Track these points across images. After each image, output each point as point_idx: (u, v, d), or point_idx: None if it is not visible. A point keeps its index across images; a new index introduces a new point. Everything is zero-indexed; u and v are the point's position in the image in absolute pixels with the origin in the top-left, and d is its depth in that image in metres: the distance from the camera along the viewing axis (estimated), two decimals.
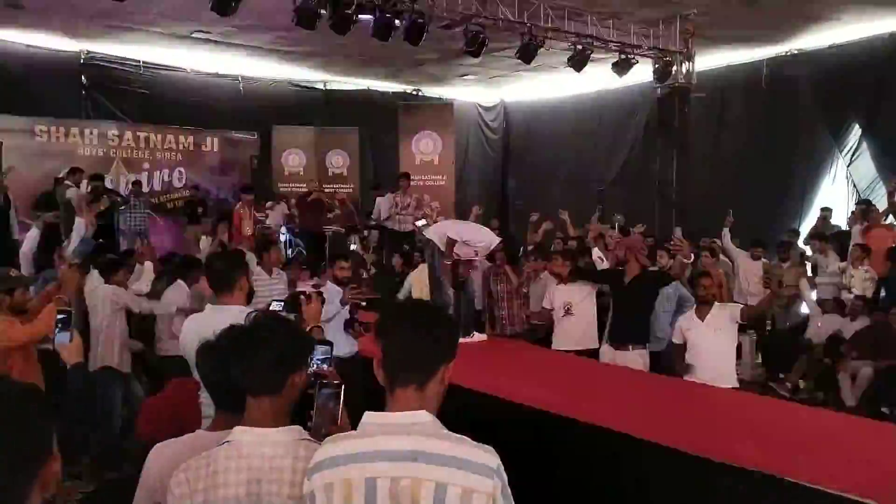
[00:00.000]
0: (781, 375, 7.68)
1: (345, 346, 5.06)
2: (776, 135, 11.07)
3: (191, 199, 11.24)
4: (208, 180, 12.40)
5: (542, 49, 9.04)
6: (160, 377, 5.38)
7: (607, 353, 5.45)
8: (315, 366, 2.18)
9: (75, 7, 9.08)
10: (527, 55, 9.00)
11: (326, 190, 12.19)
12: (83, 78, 11.56)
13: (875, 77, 10.04)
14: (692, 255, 6.48)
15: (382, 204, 11.90)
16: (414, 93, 14.94)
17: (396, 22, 7.92)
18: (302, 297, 3.03)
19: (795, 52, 10.97)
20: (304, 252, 11.52)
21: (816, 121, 10.83)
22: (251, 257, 5.50)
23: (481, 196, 12.88)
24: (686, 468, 3.15)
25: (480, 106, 16.02)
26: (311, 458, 1.69)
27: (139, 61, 11.88)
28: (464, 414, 2.36)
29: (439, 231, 6.20)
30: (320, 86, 14.07)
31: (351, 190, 13.59)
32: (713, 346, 4.78)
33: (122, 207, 10.63)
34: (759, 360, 8.10)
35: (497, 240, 6.30)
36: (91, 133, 11.48)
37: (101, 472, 5.08)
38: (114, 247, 8.39)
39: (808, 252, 9.07)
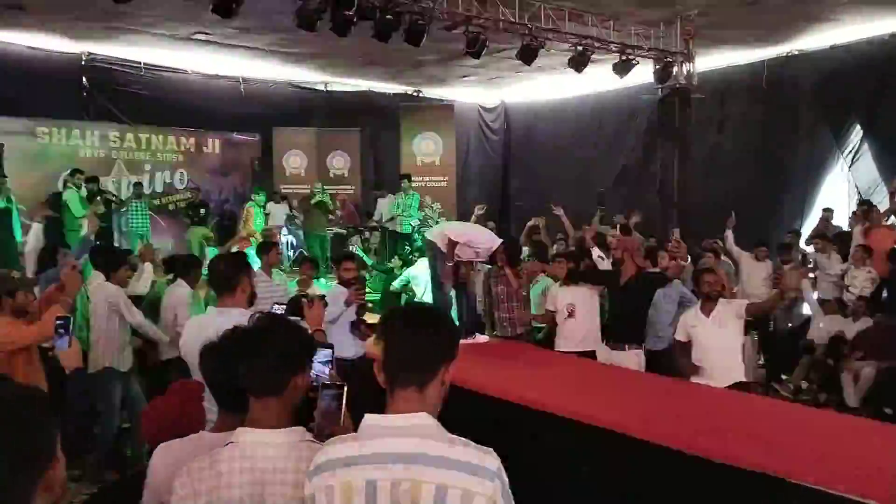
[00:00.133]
0: (784, 376, 7.69)
1: (351, 347, 5.07)
2: (777, 135, 11.07)
3: (192, 200, 11.25)
4: (209, 181, 12.43)
5: (542, 50, 9.04)
6: (161, 378, 5.39)
7: (603, 353, 5.45)
8: (316, 369, 2.18)
9: (77, 9, 9.09)
10: (527, 56, 9.01)
11: (328, 191, 12.19)
12: (84, 79, 11.58)
13: (876, 77, 10.04)
14: (689, 257, 6.48)
15: (383, 205, 11.94)
16: (415, 94, 14.95)
17: (397, 23, 7.92)
18: (303, 300, 3.04)
19: (796, 52, 10.97)
20: (305, 253, 11.56)
21: (817, 121, 10.82)
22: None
23: (482, 197, 12.87)
24: (687, 469, 3.16)
25: (481, 107, 16.03)
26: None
27: (140, 63, 11.89)
28: (465, 415, 2.36)
29: (441, 233, 6.21)
30: (321, 87, 14.08)
31: (352, 191, 13.61)
32: (719, 342, 4.75)
33: (123, 210, 10.67)
34: (762, 361, 8.09)
35: (498, 241, 6.30)
36: (92, 134, 11.52)
37: (102, 474, 5.09)
38: (112, 248, 8.39)
39: (810, 251, 9.07)
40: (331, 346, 2.43)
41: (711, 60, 11.16)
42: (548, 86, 14.00)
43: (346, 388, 2.06)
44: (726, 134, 11.80)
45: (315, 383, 2.07)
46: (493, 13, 8.48)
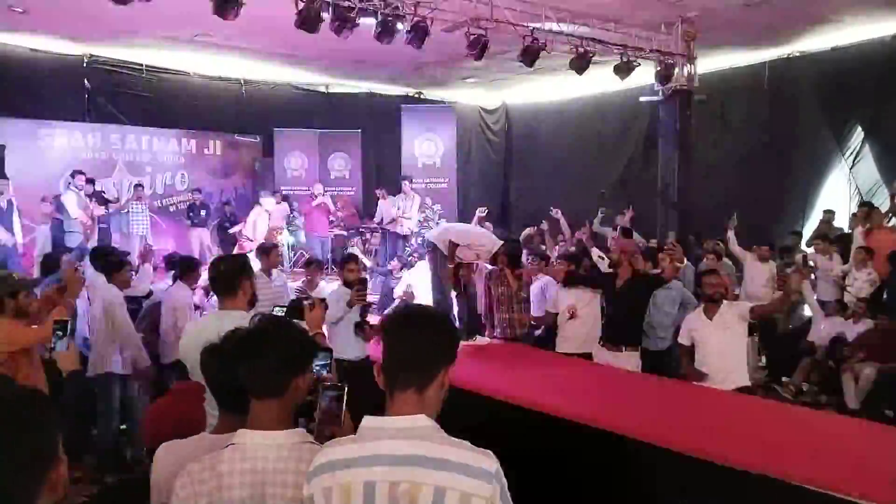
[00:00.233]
0: (784, 378, 7.68)
1: (354, 349, 5.07)
2: (778, 137, 11.07)
3: (193, 202, 11.27)
4: (210, 183, 12.44)
5: (543, 52, 9.04)
6: (162, 381, 5.40)
7: (600, 354, 5.45)
8: (315, 372, 2.19)
9: (79, 11, 9.10)
10: (529, 58, 9.01)
11: (328, 192, 12.21)
12: (86, 81, 11.59)
13: (877, 79, 10.03)
14: (684, 259, 6.48)
15: (384, 207, 11.94)
16: (416, 95, 14.96)
17: (398, 25, 7.93)
18: (304, 302, 3.04)
19: (797, 54, 10.97)
20: (305, 254, 11.57)
21: (818, 123, 10.81)
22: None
23: (483, 199, 12.88)
24: (688, 471, 3.15)
25: (482, 109, 16.03)
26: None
27: (142, 65, 11.91)
28: (465, 417, 2.36)
29: (442, 234, 6.22)
30: (322, 88, 14.10)
31: (353, 192, 13.62)
32: (722, 344, 4.69)
33: (124, 211, 10.68)
34: (762, 362, 8.09)
35: (499, 243, 6.31)
36: (94, 136, 11.55)
37: (102, 476, 5.09)
38: (113, 250, 8.41)
39: (810, 252, 9.06)
40: (329, 350, 2.43)
41: (712, 62, 11.15)
42: (549, 87, 14.00)
43: (346, 390, 2.06)
44: (727, 135, 11.79)
45: (315, 385, 2.08)
46: (495, 15, 8.47)
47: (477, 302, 6.54)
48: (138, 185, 11.29)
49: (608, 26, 9.42)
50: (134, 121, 11.99)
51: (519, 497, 1.68)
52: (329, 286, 6.47)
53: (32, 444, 1.14)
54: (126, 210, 10.71)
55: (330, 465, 1.63)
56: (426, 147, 13.79)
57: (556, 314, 5.98)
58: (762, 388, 7.24)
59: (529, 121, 15.71)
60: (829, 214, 9.90)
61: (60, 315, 3.72)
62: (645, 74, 10.23)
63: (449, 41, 8.75)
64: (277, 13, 7.58)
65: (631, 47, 9.73)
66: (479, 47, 8.55)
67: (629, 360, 5.32)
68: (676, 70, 10.22)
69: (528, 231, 8.31)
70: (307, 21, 7.49)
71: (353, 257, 5.75)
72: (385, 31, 7.87)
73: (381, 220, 11.93)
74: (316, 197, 11.95)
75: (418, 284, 7.78)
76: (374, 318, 5.59)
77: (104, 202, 10.28)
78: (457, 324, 5.91)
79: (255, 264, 5.56)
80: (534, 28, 8.82)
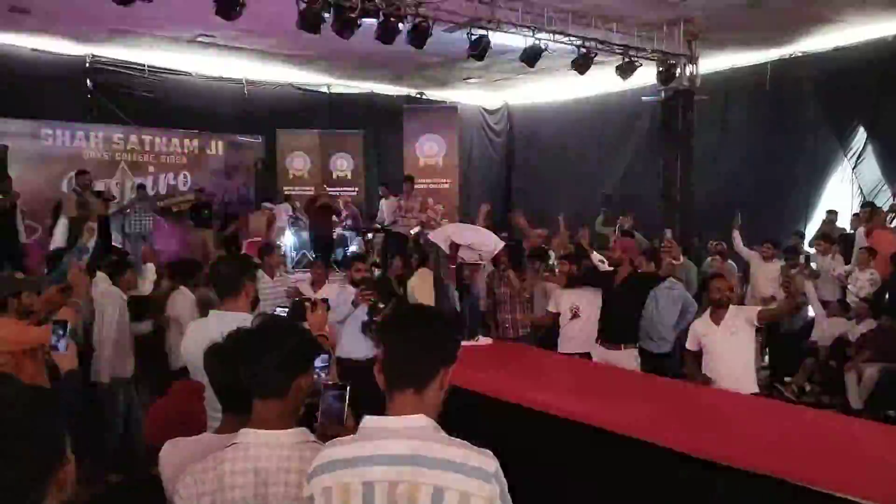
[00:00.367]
0: (787, 378, 7.67)
1: (362, 348, 5.07)
2: (780, 137, 11.05)
3: (196, 202, 11.28)
4: (213, 184, 12.44)
5: (545, 52, 9.04)
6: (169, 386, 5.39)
7: (599, 353, 5.43)
8: (315, 373, 2.19)
9: (81, 11, 9.12)
10: (530, 58, 9.02)
11: (331, 193, 12.20)
12: (88, 82, 11.62)
13: (879, 79, 10.02)
14: (681, 257, 6.46)
15: (386, 207, 11.94)
16: (418, 96, 14.97)
17: (400, 25, 7.93)
18: (307, 304, 3.03)
19: (799, 54, 10.96)
20: (307, 255, 11.58)
21: (821, 123, 10.81)
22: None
23: (485, 199, 12.87)
24: (690, 470, 3.15)
25: (484, 109, 16.04)
26: None
27: (144, 65, 11.93)
28: (467, 417, 2.36)
29: (443, 235, 6.21)
30: (324, 89, 14.10)
31: (355, 193, 13.62)
32: (730, 350, 4.58)
33: (127, 212, 10.68)
34: (765, 363, 8.08)
35: (501, 244, 6.30)
36: (96, 137, 11.55)
37: (105, 476, 5.10)
38: (109, 249, 8.39)
39: (812, 252, 9.06)
40: (328, 352, 2.43)
41: (714, 62, 11.15)
42: (551, 88, 14.00)
43: (348, 389, 2.07)
44: (729, 136, 11.78)
45: (316, 385, 2.08)
46: (497, 15, 8.48)
47: (479, 302, 6.54)
48: (141, 186, 11.30)
49: (610, 26, 9.42)
50: (136, 121, 11.99)
51: (519, 497, 1.68)
52: (331, 287, 6.46)
53: (40, 444, 1.14)
54: (128, 211, 10.71)
55: (329, 465, 1.64)
56: (428, 147, 13.80)
57: (558, 314, 5.99)
58: (765, 388, 7.23)
59: (531, 121, 15.71)
60: (831, 215, 9.89)
61: (65, 316, 3.73)
62: (647, 75, 10.24)
63: (450, 41, 8.77)
64: (279, 14, 7.60)
65: (633, 47, 9.74)
66: (480, 48, 8.56)
67: (627, 358, 5.30)
68: (678, 70, 10.22)
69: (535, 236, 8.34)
70: (309, 21, 7.50)
71: (361, 257, 5.77)
72: (387, 32, 7.88)
73: (384, 220, 11.93)
74: (320, 197, 11.92)
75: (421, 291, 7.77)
76: None
77: (105, 202, 10.26)
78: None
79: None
80: (535, 28, 8.82)
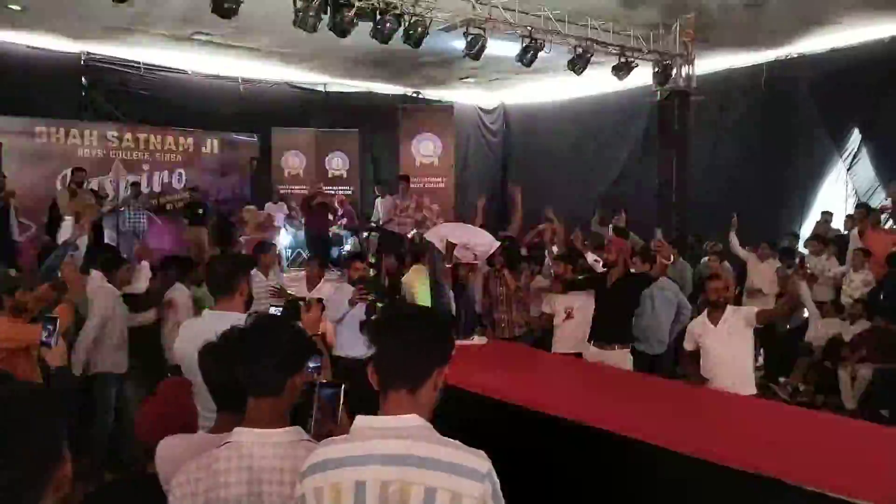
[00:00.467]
0: (781, 378, 7.69)
1: (360, 347, 5.05)
2: (776, 138, 11.08)
3: (191, 200, 11.25)
4: (208, 182, 12.41)
5: (542, 52, 9.04)
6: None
7: (593, 353, 5.42)
8: (307, 374, 2.18)
9: (77, 9, 9.08)
10: (527, 58, 9.02)
11: (326, 192, 12.19)
12: (83, 79, 11.57)
13: (875, 81, 10.03)
14: (672, 256, 6.48)
15: (382, 206, 11.93)
16: (414, 95, 14.95)
17: (397, 24, 7.92)
18: (301, 304, 3.02)
19: (795, 55, 10.98)
20: (303, 254, 11.57)
21: (816, 124, 10.83)
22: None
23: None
24: (686, 470, 3.16)
25: (481, 108, 16.03)
26: None
27: (139, 63, 11.88)
28: (462, 416, 2.36)
29: (439, 234, 6.21)
30: (320, 88, 14.07)
31: (351, 192, 13.61)
32: (727, 351, 4.55)
33: (121, 209, 10.65)
34: (760, 363, 8.11)
35: (496, 243, 6.30)
36: (91, 134, 11.50)
37: (100, 474, 5.08)
38: (101, 246, 8.37)
39: (806, 253, 9.09)
40: (321, 353, 2.43)
41: (711, 63, 11.16)
42: (547, 88, 14.00)
43: (343, 388, 2.06)
44: (725, 137, 11.80)
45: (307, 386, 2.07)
46: (493, 15, 8.48)
47: (475, 302, 6.54)
48: (135, 184, 11.26)
49: (607, 27, 9.43)
50: (131, 119, 11.95)
51: (513, 497, 1.68)
52: (325, 286, 6.45)
53: (38, 443, 1.14)
54: (122, 209, 10.68)
55: (321, 465, 1.63)
56: (424, 147, 13.78)
57: (552, 316, 5.99)
58: (759, 388, 7.24)
59: (527, 121, 15.71)
60: (826, 216, 9.92)
61: (61, 314, 3.72)
62: (643, 75, 10.25)
63: (447, 41, 8.76)
64: (275, 12, 7.58)
65: (629, 48, 9.75)
66: (476, 47, 8.55)
67: (620, 358, 5.30)
68: (675, 71, 10.23)
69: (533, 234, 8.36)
70: (305, 20, 7.48)
71: (359, 256, 5.76)
72: (383, 31, 7.86)
73: (379, 219, 11.92)
74: (317, 195, 11.90)
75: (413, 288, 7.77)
76: None
77: (99, 200, 10.23)
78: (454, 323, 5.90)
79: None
80: (532, 28, 8.82)
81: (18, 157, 10.36)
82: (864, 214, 8.83)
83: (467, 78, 13.38)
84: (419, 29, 8.00)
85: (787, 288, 4.69)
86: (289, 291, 6.46)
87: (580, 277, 5.93)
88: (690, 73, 10.30)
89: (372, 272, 9.74)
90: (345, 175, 13.78)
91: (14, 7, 8.99)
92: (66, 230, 5.12)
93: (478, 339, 5.93)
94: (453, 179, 13.93)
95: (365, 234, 12.06)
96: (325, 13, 7.51)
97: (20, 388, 1.21)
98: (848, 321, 7.49)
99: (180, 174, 12.31)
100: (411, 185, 11.81)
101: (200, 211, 11.01)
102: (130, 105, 11.94)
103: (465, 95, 15.26)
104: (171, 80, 12.37)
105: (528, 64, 9.12)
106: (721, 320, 4.63)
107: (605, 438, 3.47)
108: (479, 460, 1.60)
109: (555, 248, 7.52)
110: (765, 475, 2.89)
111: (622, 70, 9.87)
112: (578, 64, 9.48)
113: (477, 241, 6.17)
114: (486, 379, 4.43)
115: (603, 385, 4.65)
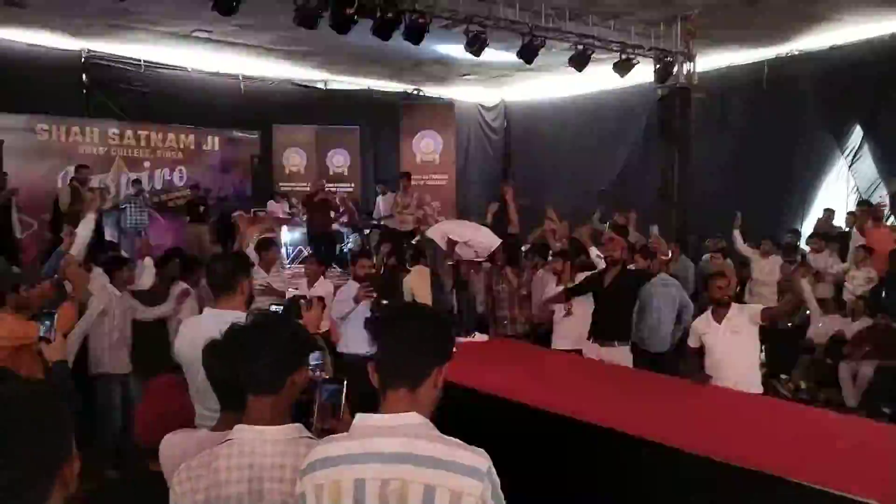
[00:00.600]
0: (783, 375, 7.69)
1: (365, 344, 5.05)
2: (777, 135, 11.06)
3: (192, 198, 11.25)
4: (209, 179, 12.41)
5: (543, 49, 9.03)
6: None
7: (592, 350, 5.42)
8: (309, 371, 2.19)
9: (77, 6, 9.07)
10: (528, 55, 9.01)
11: (328, 189, 12.19)
12: (84, 76, 11.57)
13: (876, 78, 10.03)
14: (669, 253, 6.46)
15: (383, 203, 11.94)
16: (415, 92, 14.94)
17: (397, 21, 7.91)
18: (302, 302, 3.02)
19: (796, 52, 10.96)
20: (304, 251, 11.56)
21: (818, 122, 10.82)
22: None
23: (482, 196, 12.88)
24: (687, 467, 3.16)
25: (481, 106, 16.01)
26: None
27: (140, 60, 11.87)
28: (463, 414, 2.36)
29: (440, 231, 6.21)
30: (321, 85, 14.06)
31: (352, 189, 13.61)
32: (732, 349, 4.52)
33: (123, 207, 10.66)
34: (761, 360, 8.10)
35: (497, 241, 6.30)
36: (92, 132, 11.51)
37: (103, 472, 5.09)
38: (102, 244, 8.37)
39: (808, 250, 9.09)
40: (322, 349, 2.43)
41: (712, 60, 11.15)
42: (548, 85, 13.99)
43: (345, 384, 2.06)
44: (726, 134, 11.79)
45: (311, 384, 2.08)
46: (494, 12, 8.47)
47: (476, 299, 6.54)
48: (136, 181, 11.26)
49: (608, 23, 9.41)
50: (132, 116, 11.95)
51: (514, 495, 1.68)
52: (324, 283, 6.44)
53: (47, 442, 1.14)
54: (124, 206, 10.68)
55: (321, 463, 1.64)
56: (425, 144, 13.78)
57: (552, 312, 5.99)
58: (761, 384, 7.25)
59: (528, 118, 15.68)
60: (828, 213, 9.91)
61: (65, 313, 3.72)
62: (644, 72, 10.23)
63: (448, 38, 8.75)
64: (276, 9, 7.58)
65: (630, 45, 9.73)
66: (477, 44, 8.54)
67: (620, 355, 5.30)
68: (676, 68, 10.22)
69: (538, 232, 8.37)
70: (306, 17, 7.48)
71: (366, 254, 5.75)
72: (384, 28, 7.86)
73: (380, 216, 11.93)
74: (318, 192, 11.90)
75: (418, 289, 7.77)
76: None
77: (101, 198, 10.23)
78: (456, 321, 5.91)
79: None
80: (533, 25, 8.81)
81: (19, 155, 10.36)
82: (865, 211, 8.82)
83: (468, 75, 13.36)
84: (420, 26, 7.99)
85: (791, 286, 4.68)
86: (288, 289, 6.45)
87: (580, 283, 5.90)
88: (691, 70, 10.28)
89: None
90: (346, 172, 13.78)
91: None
92: (87, 223, 5.12)
93: (478, 336, 5.94)
94: (454, 176, 13.93)
95: (367, 231, 12.05)
96: (326, 10, 7.50)
97: (20, 386, 1.21)
98: (850, 318, 7.49)
99: (181, 171, 12.32)
100: (412, 183, 11.81)
101: (201, 208, 11.01)
102: (131, 102, 11.93)
103: (466, 92, 15.24)
104: (173, 77, 12.36)
105: (529, 61, 9.11)
106: (725, 318, 4.62)
107: (607, 436, 3.47)
108: (479, 458, 1.60)
109: (557, 245, 7.51)
110: (766, 473, 2.89)
111: (623, 67, 9.86)
112: (579, 61, 9.47)
113: (478, 239, 6.17)
114: (486, 376, 4.44)
115: (601, 381, 4.66)
